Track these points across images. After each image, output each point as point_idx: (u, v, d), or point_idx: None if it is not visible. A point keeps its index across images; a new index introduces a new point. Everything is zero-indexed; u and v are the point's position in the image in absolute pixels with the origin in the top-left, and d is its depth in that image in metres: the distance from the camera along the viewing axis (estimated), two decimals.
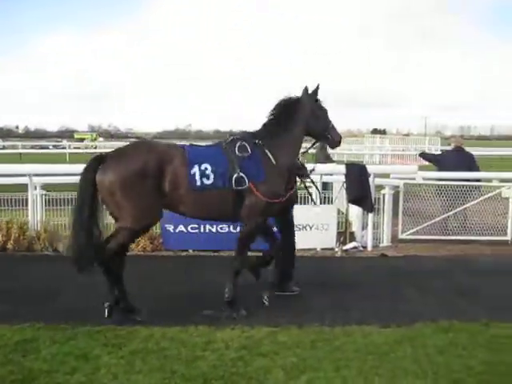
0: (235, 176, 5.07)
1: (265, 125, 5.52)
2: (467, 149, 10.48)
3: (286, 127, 5.45)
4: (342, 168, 8.31)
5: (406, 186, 9.01)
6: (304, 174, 5.84)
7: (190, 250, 8.05)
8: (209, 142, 6.25)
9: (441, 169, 9.81)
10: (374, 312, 5.30)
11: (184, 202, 5.06)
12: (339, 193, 9.03)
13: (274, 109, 5.53)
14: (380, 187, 8.89)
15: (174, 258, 7.79)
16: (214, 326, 4.80)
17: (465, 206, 8.89)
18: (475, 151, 27.00)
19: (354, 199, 8.04)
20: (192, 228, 8.01)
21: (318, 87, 5.65)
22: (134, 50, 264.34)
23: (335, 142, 5.74)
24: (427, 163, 11.57)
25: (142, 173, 4.84)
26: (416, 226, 8.84)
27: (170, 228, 7.97)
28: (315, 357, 4.22)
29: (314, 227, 8.21)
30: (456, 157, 9.60)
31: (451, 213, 8.89)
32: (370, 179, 8.14)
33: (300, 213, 7.10)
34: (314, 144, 6.07)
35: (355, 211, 8.55)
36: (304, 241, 7.55)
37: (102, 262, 4.92)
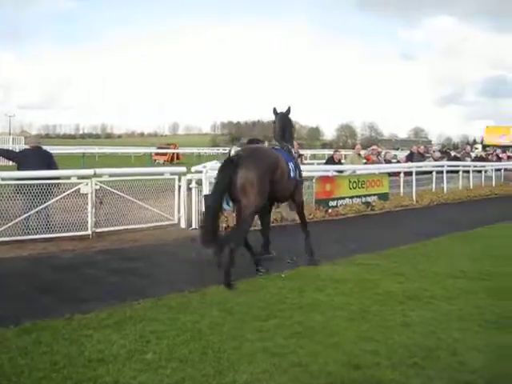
0: (296, 172, 7.54)
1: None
2: (45, 147, 10.69)
3: (291, 136, 8.17)
4: None
5: None
6: None
7: None
8: None
9: (21, 168, 9.56)
10: None
11: (282, 187, 7.21)
12: None
13: (283, 122, 7.95)
14: None
15: None
16: None
17: (46, 204, 8.89)
18: (58, 150, 27.60)
19: None
20: None
21: (289, 108, 8.00)
22: None
23: None
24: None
25: (269, 168, 6.84)
26: None
27: None
28: None
29: None
30: (35, 156, 9.46)
31: (32, 212, 8.77)
32: None
33: None
34: None
35: None
36: None
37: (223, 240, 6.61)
